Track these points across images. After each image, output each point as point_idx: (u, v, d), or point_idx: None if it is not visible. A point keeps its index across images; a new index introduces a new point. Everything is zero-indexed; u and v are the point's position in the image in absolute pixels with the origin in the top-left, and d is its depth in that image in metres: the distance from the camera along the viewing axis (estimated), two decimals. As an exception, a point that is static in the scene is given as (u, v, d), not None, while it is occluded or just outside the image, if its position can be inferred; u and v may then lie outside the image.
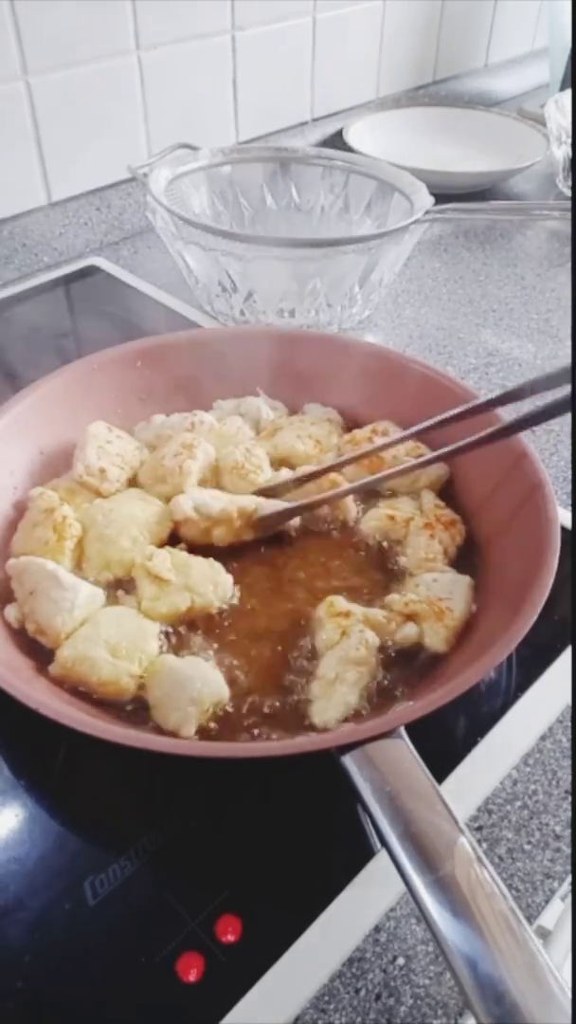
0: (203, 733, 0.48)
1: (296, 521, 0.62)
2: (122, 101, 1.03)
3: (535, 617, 0.47)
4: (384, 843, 0.38)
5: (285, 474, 0.64)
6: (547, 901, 0.46)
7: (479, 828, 0.48)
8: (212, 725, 0.49)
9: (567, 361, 0.50)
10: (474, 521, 0.62)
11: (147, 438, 0.69)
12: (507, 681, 0.55)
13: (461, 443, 0.56)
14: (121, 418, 0.69)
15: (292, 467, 0.66)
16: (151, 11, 0.99)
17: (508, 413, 0.57)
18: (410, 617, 0.54)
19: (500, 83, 1.63)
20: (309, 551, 0.61)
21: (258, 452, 0.65)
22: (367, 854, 0.45)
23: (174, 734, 0.47)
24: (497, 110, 1.40)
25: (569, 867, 0.47)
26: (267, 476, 0.64)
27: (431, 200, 0.86)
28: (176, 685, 0.48)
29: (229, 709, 0.50)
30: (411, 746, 0.42)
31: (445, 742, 0.51)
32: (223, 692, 0.49)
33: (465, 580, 0.57)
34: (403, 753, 0.42)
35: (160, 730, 0.48)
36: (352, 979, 0.42)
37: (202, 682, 0.48)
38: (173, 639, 0.54)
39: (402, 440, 0.62)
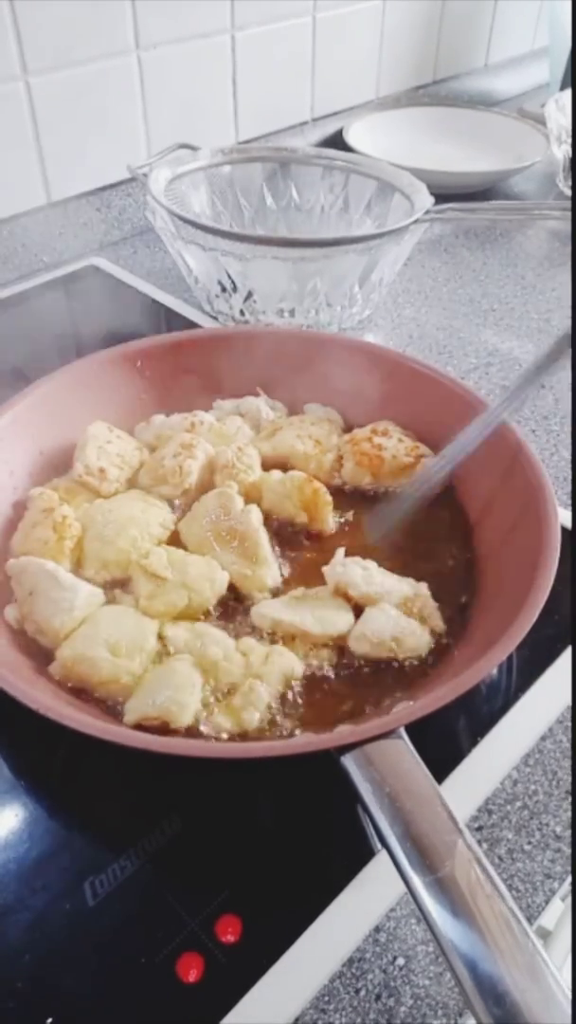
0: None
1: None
2: (122, 101, 1.03)
3: (535, 617, 0.46)
4: (384, 843, 0.38)
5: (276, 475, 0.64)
6: (547, 901, 0.46)
7: (479, 828, 0.48)
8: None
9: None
10: (476, 522, 0.62)
11: (147, 438, 0.69)
12: (507, 681, 0.55)
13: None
14: (121, 418, 0.69)
15: (292, 467, 0.66)
16: (151, 11, 0.99)
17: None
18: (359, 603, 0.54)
19: (500, 83, 1.63)
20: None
21: (250, 452, 0.65)
22: (367, 854, 0.45)
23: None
24: (497, 110, 1.40)
25: (569, 867, 0.47)
26: (257, 476, 0.64)
27: (431, 200, 0.86)
28: (164, 683, 0.48)
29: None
30: (411, 746, 0.42)
31: (445, 742, 0.51)
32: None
33: (402, 593, 0.54)
34: (403, 753, 0.42)
35: (160, 729, 0.48)
36: (352, 979, 0.42)
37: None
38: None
39: None
